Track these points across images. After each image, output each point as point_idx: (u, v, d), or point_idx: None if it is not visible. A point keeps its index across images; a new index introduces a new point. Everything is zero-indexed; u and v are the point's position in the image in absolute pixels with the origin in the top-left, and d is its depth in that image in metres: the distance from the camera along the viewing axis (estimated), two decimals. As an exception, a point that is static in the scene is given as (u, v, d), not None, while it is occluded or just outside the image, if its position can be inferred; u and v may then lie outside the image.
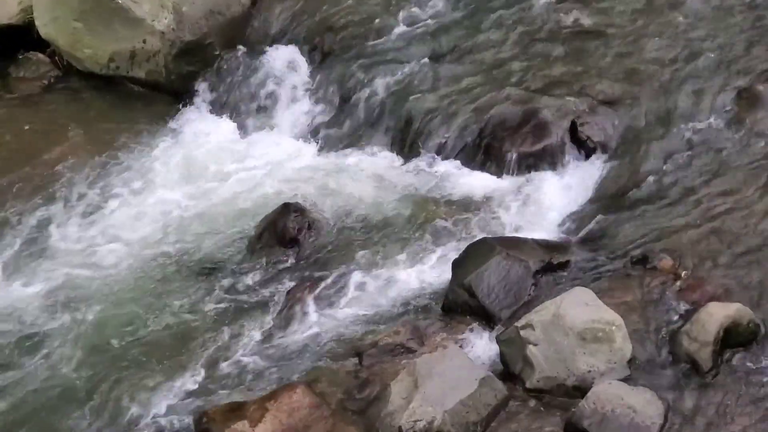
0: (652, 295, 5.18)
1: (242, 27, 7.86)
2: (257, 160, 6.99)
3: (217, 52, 7.72)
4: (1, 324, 5.75)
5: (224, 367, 5.34)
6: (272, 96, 7.44)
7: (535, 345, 4.80)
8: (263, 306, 5.74)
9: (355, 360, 5.14)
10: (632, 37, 7.13)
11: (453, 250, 5.85)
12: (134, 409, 5.11)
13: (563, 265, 5.48)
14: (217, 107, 7.57)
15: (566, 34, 7.26)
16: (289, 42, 7.71)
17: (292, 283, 5.86)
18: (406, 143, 6.84)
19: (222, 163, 6.99)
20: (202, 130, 7.36)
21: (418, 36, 7.52)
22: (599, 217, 5.97)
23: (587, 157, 6.41)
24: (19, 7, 8.06)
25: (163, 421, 5.01)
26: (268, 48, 7.70)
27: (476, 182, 6.44)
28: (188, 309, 5.77)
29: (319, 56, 7.54)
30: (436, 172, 6.58)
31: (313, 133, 7.18)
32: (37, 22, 7.90)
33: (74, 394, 5.27)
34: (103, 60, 7.76)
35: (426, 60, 7.24)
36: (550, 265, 5.46)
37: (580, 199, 6.21)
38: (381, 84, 7.14)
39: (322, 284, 5.80)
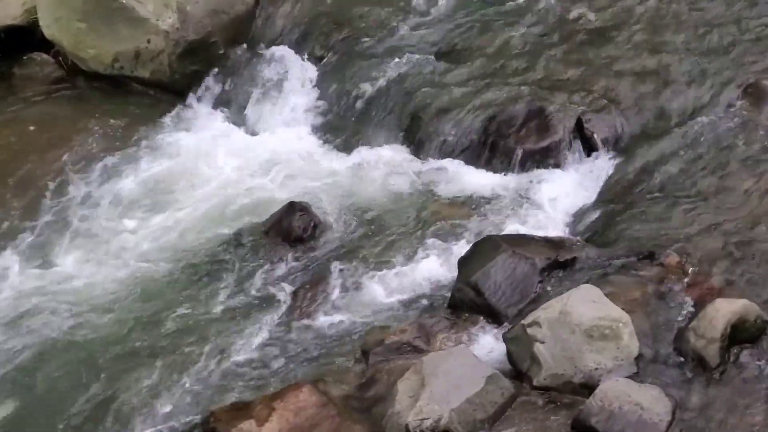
0: (658, 292, 5.17)
1: (246, 26, 7.86)
2: (262, 158, 6.99)
3: (221, 51, 7.71)
4: (4, 326, 5.75)
5: (230, 366, 5.33)
6: (276, 94, 7.43)
7: (542, 342, 4.78)
8: (269, 305, 5.74)
9: (362, 359, 5.14)
10: (637, 34, 7.13)
11: (459, 248, 5.85)
12: (141, 409, 5.11)
13: (569, 263, 5.47)
14: (222, 106, 7.57)
15: (571, 32, 7.26)
16: (293, 40, 7.71)
17: (298, 282, 5.86)
18: (411, 141, 6.83)
19: (227, 162, 6.99)
20: (206, 128, 7.36)
21: (422, 34, 7.52)
22: (605, 213, 5.96)
23: (593, 154, 6.41)
24: (23, 8, 8.05)
25: (169, 421, 5.00)
26: (272, 46, 7.70)
27: (482, 179, 6.45)
28: (193, 308, 5.77)
29: (324, 54, 7.54)
30: (441, 169, 6.58)
31: (318, 131, 7.18)
32: (40, 23, 7.89)
33: (80, 394, 5.27)
34: (107, 60, 7.76)
35: (431, 58, 7.24)
36: (557, 262, 5.45)
37: (586, 195, 6.21)
38: (386, 82, 7.14)
39: (328, 283, 5.80)
